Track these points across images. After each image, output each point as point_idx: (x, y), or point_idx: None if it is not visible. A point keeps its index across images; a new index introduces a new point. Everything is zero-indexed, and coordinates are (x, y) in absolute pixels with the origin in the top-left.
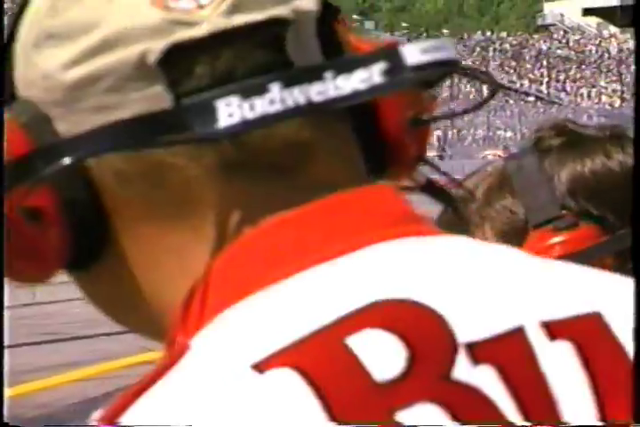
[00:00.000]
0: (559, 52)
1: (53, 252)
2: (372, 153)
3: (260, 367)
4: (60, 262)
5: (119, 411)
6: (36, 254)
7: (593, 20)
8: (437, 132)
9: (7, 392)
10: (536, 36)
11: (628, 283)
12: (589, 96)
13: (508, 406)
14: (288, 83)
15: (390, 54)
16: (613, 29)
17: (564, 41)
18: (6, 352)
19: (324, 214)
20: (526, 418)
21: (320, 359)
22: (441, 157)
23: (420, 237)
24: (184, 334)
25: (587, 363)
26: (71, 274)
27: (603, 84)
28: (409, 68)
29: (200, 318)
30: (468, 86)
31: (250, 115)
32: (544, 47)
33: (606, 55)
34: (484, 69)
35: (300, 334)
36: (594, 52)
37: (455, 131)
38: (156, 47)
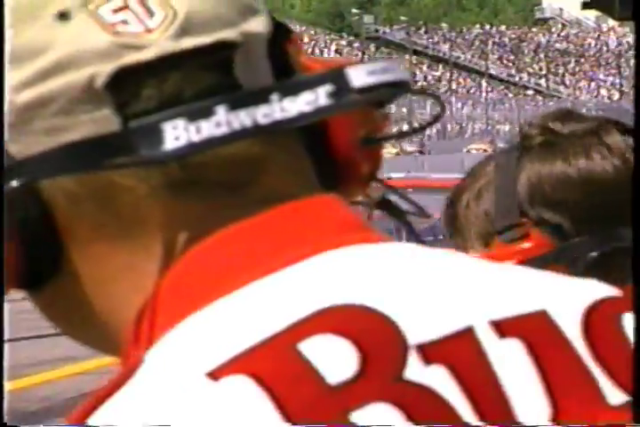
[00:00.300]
0: (558, 45)
1: (7, 271)
2: (324, 170)
3: (215, 375)
4: (15, 282)
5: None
6: None
7: (592, 14)
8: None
9: (8, 386)
10: (535, 30)
11: (572, 282)
12: (588, 89)
13: (460, 404)
14: (234, 105)
15: (336, 76)
16: (612, 23)
17: (562, 34)
18: (7, 346)
19: (272, 225)
20: (478, 414)
21: (273, 365)
22: (421, 152)
23: (367, 244)
24: (137, 349)
25: (537, 359)
26: (27, 292)
27: (601, 77)
28: (355, 90)
29: (151, 334)
30: (469, 80)
31: (196, 137)
32: (543, 41)
33: (605, 49)
34: (432, 92)
35: (252, 342)
36: (592, 45)
37: (454, 124)
38: (104, 70)
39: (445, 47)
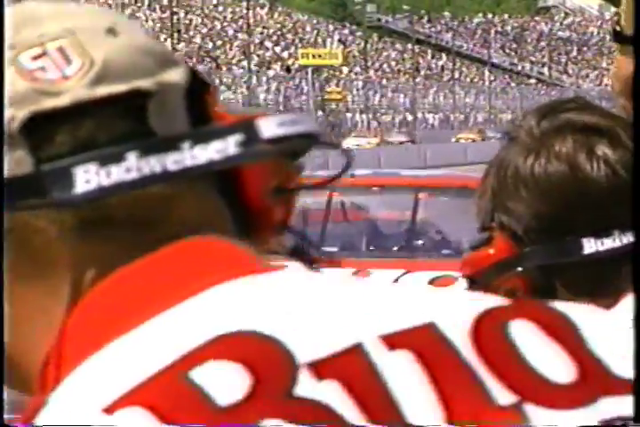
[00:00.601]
0: (560, 34)
1: None
2: (237, 216)
3: (110, 410)
4: None
5: None
6: None
7: (594, 2)
8: (440, 115)
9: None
10: (537, 18)
11: (460, 295)
12: (591, 78)
13: (353, 416)
14: (145, 152)
15: (247, 127)
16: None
17: (565, 23)
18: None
19: (169, 262)
20: (371, 424)
21: (166, 394)
22: (413, 142)
23: (257, 275)
24: (44, 391)
25: (427, 368)
26: None
27: (604, 66)
28: (264, 141)
29: (58, 375)
30: (474, 70)
31: (106, 182)
32: (545, 29)
33: (608, 37)
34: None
35: (146, 375)
36: (595, 33)
37: (458, 114)
38: (19, 115)
39: (448, 36)
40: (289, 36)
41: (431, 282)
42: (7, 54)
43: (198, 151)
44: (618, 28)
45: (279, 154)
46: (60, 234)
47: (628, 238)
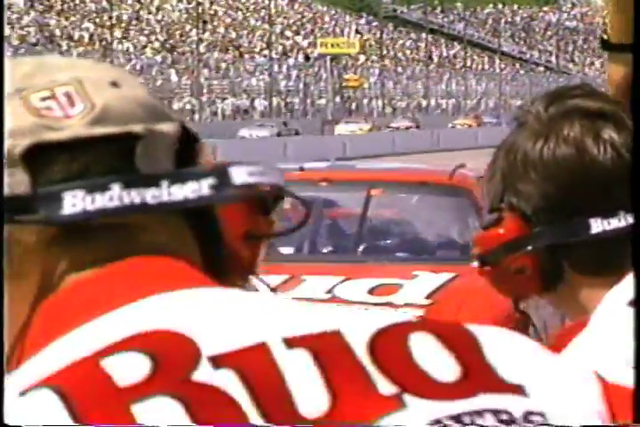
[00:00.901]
0: (568, 23)
1: None
2: (207, 255)
3: (24, 392)
4: None
5: None
6: None
7: None
8: (452, 100)
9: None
10: (545, 9)
11: (369, 312)
12: (596, 66)
13: (244, 401)
14: (128, 185)
15: (220, 173)
16: None
17: (572, 13)
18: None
19: (119, 275)
20: (259, 408)
21: (74, 377)
22: (418, 127)
23: (188, 289)
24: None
25: (322, 365)
26: None
27: None
28: (234, 186)
29: (20, 359)
30: (485, 59)
31: (90, 207)
32: (553, 19)
33: None
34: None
35: (66, 363)
36: (601, 23)
37: (470, 100)
38: (23, 143)
39: (460, 26)
40: (308, 25)
41: (371, 291)
42: (20, 94)
43: (175, 189)
44: (605, 37)
45: (247, 199)
46: (34, 247)
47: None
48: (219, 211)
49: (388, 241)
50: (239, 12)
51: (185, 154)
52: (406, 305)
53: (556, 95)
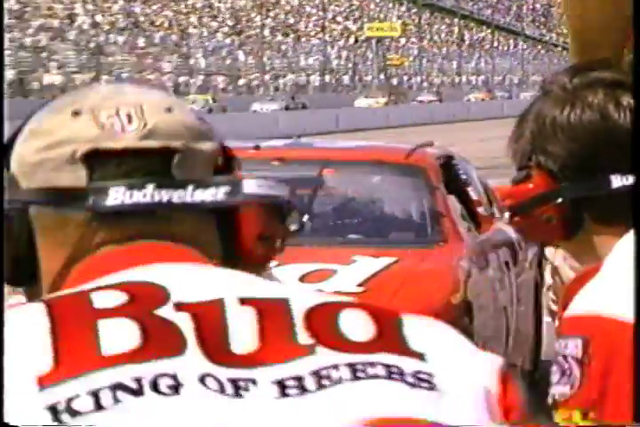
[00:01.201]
0: None
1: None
2: (228, 249)
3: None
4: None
5: None
6: None
7: None
8: (481, 77)
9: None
10: None
11: (322, 293)
12: None
13: (189, 334)
14: (160, 186)
15: (235, 183)
16: None
17: None
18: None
19: (132, 252)
20: (200, 342)
21: (65, 299)
22: (440, 101)
23: (183, 262)
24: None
25: (261, 319)
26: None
27: None
28: (244, 194)
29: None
30: (510, 41)
31: (128, 200)
32: None
33: None
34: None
35: (67, 293)
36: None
37: (496, 76)
38: (85, 148)
39: (488, 12)
40: (357, 12)
41: (302, 278)
42: (90, 110)
43: (197, 193)
44: None
45: (266, 207)
46: (81, 223)
47: None
48: (241, 215)
49: (336, 223)
50: (296, 1)
51: (221, 167)
52: (336, 293)
53: (579, 69)
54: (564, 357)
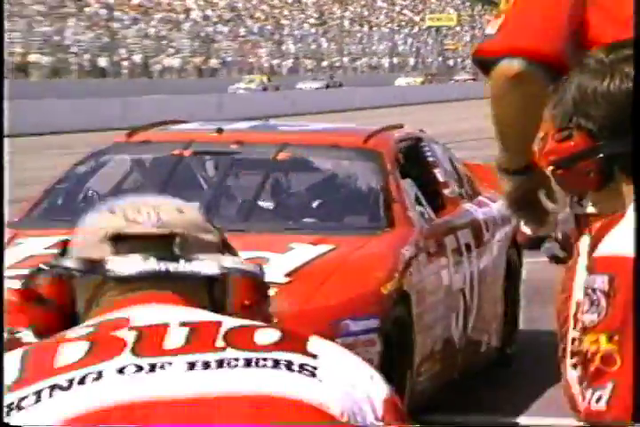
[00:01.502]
0: None
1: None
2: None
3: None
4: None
5: None
6: None
7: None
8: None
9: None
10: None
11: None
12: None
13: (130, 344)
14: (160, 259)
15: (218, 259)
16: None
17: None
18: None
19: (131, 301)
20: (133, 349)
21: (43, 343)
22: (474, 79)
23: (163, 304)
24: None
25: (194, 335)
26: None
27: None
28: (226, 268)
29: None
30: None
31: (132, 270)
32: None
33: None
34: None
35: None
36: None
37: None
38: (112, 231)
39: None
40: (420, 5)
41: None
42: (124, 211)
43: (187, 265)
44: None
45: (252, 282)
46: (94, 285)
47: None
48: (230, 285)
49: (285, 209)
50: None
51: (222, 252)
52: None
53: (613, 46)
54: (593, 290)
